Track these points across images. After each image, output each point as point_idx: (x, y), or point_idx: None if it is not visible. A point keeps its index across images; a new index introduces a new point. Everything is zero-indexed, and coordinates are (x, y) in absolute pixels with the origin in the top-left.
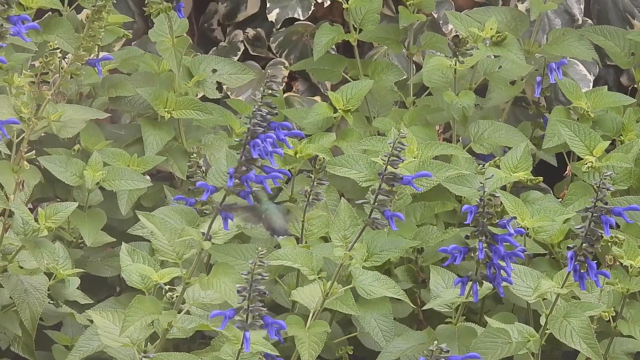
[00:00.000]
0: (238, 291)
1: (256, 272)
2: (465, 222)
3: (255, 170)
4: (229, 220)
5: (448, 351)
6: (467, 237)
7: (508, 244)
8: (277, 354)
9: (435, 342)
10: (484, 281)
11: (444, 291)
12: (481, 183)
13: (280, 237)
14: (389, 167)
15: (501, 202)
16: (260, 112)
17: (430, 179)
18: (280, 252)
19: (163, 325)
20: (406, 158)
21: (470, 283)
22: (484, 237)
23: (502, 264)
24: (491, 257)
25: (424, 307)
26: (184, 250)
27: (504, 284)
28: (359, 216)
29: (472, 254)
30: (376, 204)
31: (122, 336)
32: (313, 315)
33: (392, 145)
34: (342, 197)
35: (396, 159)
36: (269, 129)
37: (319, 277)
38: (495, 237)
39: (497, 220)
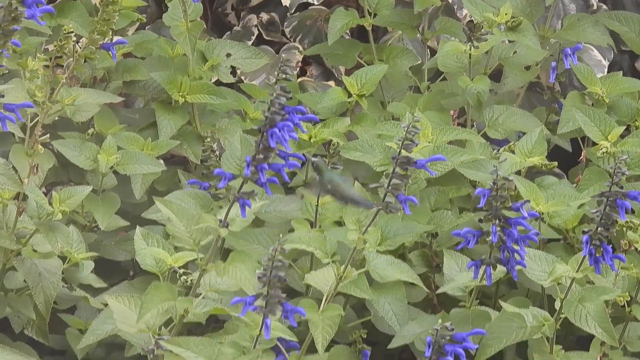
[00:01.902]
0: (258, 277)
1: (276, 258)
2: (479, 207)
3: (272, 157)
4: (247, 207)
5: (453, 329)
6: (480, 220)
7: (522, 227)
8: (296, 339)
9: (440, 320)
10: (497, 265)
11: (458, 275)
12: (495, 167)
13: (361, 205)
14: (402, 151)
15: (515, 187)
16: (278, 101)
17: (445, 163)
18: (294, 235)
19: (179, 311)
20: (421, 143)
21: (483, 267)
22: (497, 221)
23: (516, 247)
24: (504, 241)
25: (438, 291)
26: (200, 237)
27: (518, 268)
28: (373, 200)
29: (486, 238)
30: (390, 187)
31: (140, 322)
32: (326, 299)
33: (406, 129)
34: (356, 182)
35: (410, 142)
36: (286, 117)
37: (332, 261)
38: (508, 221)
39: (511, 204)
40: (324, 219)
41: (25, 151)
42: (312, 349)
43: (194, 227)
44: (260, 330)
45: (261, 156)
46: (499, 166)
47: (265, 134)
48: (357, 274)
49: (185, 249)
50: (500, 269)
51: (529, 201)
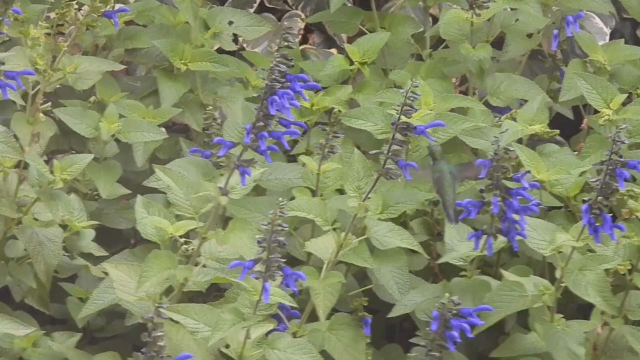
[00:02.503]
0: (258, 242)
1: (276, 223)
2: (480, 176)
3: (272, 125)
4: (246, 175)
5: (459, 304)
6: (481, 190)
7: (522, 198)
8: (296, 305)
9: (447, 294)
10: (498, 235)
11: (459, 244)
12: (496, 137)
13: (447, 213)
14: (402, 116)
15: (517, 156)
16: (278, 68)
17: (446, 130)
18: (295, 203)
19: (179, 279)
20: (422, 110)
21: (484, 237)
22: (498, 191)
23: (517, 217)
24: (505, 211)
25: (439, 261)
26: (200, 205)
27: (519, 237)
28: (373, 167)
29: (487, 208)
30: (390, 153)
31: (140, 291)
32: (327, 266)
33: (405, 95)
34: (357, 150)
35: (409, 108)
36: (286, 84)
37: (333, 229)
38: (509, 191)
39: (512, 175)
40: (325, 187)
41: (27, 119)
42: (313, 317)
43: (194, 195)
44: (260, 296)
45: (261, 124)
46: (500, 136)
47: (265, 101)
48: (358, 241)
49: (186, 217)
50: (501, 239)
51: (529, 172)
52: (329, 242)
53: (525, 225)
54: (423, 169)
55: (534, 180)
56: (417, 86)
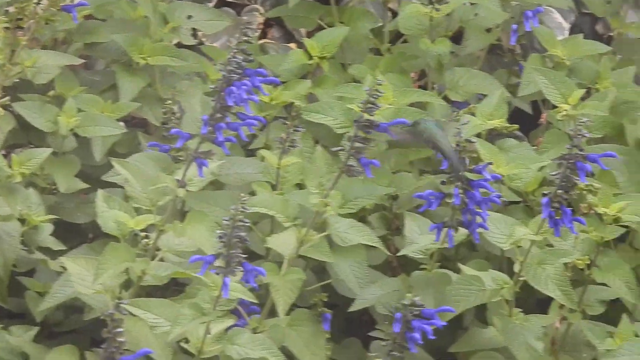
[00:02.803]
0: (219, 237)
1: (238, 218)
2: (440, 169)
3: (230, 117)
4: (204, 168)
5: (422, 305)
6: (442, 182)
7: (484, 189)
8: (256, 301)
9: (409, 294)
10: (459, 227)
11: (419, 237)
12: (457, 128)
13: (453, 160)
14: (365, 114)
15: (477, 150)
16: (235, 60)
17: (406, 126)
18: (257, 199)
19: (137, 272)
20: (382, 104)
21: (445, 229)
22: (460, 183)
23: (478, 209)
24: (467, 203)
25: (399, 254)
26: (158, 198)
27: (479, 230)
28: (333, 163)
29: (448, 200)
30: (352, 151)
31: (96, 284)
32: (288, 262)
33: (368, 92)
34: (317, 144)
35: (372, 106)
36: (244, 76)
37: (294, 225)
38: (471, 183)
39: (473, 166)
40: (285, 182)
41: None
42: (273, 313)
43: (152, 188)
44: (220, 291)
45: (218, 115)
46: (461, 127)
47: (222, 92)
48: (319, 237)
49: (144, 211)
50: (462, 232)
51: (491, 163)
52: (290, 238)
53: (487, 217)
54: (403, 134)
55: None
56: (381, 84)
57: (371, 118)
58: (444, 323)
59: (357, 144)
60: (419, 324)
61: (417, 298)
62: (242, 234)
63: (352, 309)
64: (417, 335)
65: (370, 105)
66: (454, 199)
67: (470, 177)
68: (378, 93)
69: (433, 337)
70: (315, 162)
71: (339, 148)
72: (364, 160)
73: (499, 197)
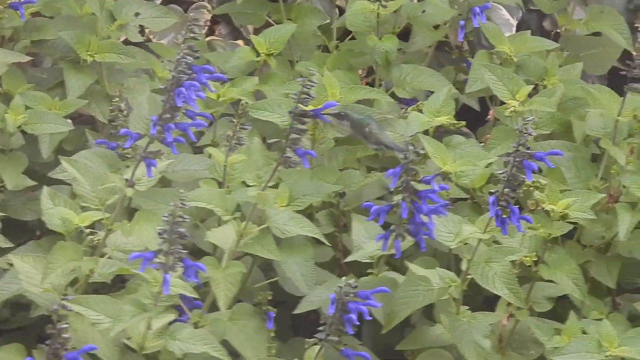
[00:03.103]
0: (159, 233)
1: (177, 214)
2: (386, 167)
3: (179, 116)
4: (153, 167)
5: (357, 286)
6: (390, 192)
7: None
8: (197, 296)
9: (344, 277)
10: (406, 235)
11: (367, 243)
12: (407, 142)
13: (396, 150)
14: (299, 104)
15: (424, 148)
16: (185, 60)
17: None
18: (195, 193)
19: (85, 271)
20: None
21: (392, 237)
22: (407, 194)
23: (425, 219)
24: (414, 214)
25: (346, 260)
26: (106, 196)
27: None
28: (272, 156)
29: (396, 210)
30: (288, 142)
31: (45, 282)
32: (228, 256)
33: (302, 82)
34: (264, 141)
35: (306, 96)
36: (193, 76)
37: (234, 218)
38: (418, 194)
39: (421, 177)
40: (232, 179)
41: None
42: (215, 308)
43: (100, 187)
44: (160, 287)
45: (168, 115)
46: (408, 129)
47: (171, 93)
48: (259, 231)
49: (92, 209)
50: (409, 238)
51: (440, 174)
52: (229, 232)
53: (432, 226)
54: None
55: (440, 172)
56: (314, 74)
57: (305, 108)
58: (380, 304)
59: (293, 135)
60: (355, 305)
61: (352, 280)
62: (182, 230)
63: (298, 310)
64: (353, 316)
65: (304, 96)
66: (402, 212)
67: (418, 187)
68: (311, 83)
69: (369, 318)
70: (253, 155)
71: (276, 140)
72: (300, 151)
73: (446, 205)
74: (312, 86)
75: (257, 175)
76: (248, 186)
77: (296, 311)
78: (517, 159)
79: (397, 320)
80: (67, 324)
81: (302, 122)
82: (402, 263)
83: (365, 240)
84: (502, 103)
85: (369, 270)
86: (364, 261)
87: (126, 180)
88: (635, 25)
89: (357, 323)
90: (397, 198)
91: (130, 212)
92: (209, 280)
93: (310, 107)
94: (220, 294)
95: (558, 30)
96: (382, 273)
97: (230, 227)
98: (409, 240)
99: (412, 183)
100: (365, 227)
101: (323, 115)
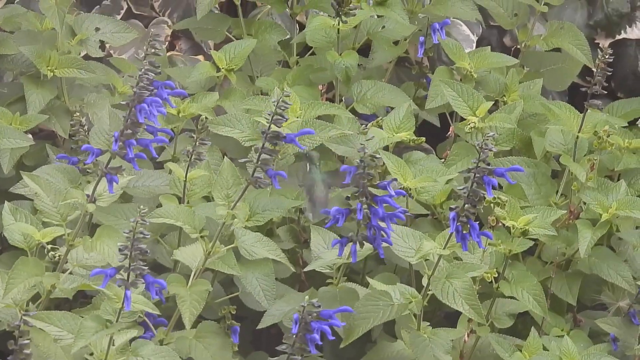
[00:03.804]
0: (120, 249)
1: (138, 231)
2: (346, 182)
3: (140, 132)
4: (114, 183)
5: (319, 306)
6: (347, 198)
7: (388, 205)
8: (159, 312)
9: (307, 296)
10: (364, 242)
11: (325, 252)
12: (362, 144)
13: (322, 210)
14: (272, 125)
15: (383, 163)
16: (146, 76)
17: (313, 138)
18: (163, 210)
19: (46, 286)
20: (289, 118)
21: (350, 244)
22: (364, 198)
23: (383, 225)
24: (370, 218)
25: (305, 269)
26: (68, 212)
27: (385, 245)
28: (241, 175)
29: (353, 215)
30: (259, 162)
31: (6, 298)
32: (195, 274)
33: (276, 103)
34: (224, 157)
35: (280, 117)
36: (155, 92)
37: (201, 236)
38: (375, 199)
39: (378, 182)
40: (193, 194)
41: None
42: (180, 325)
43: (62, 202)
44: (122, 303)
45: (129, 131)
46: (367, 143)
47: (133, 109)
48: (226, 249)
49: (53, 224)
50: (368, 246)
51: (396, 179)
52: (197, 250)
53: (391, 232)
54: (291, 176)
55: (401, 188)
56: (288, 96)
57: (278, 129)
58: (343, 324)
59: (264, 156)
60: (318, 325)
61: (315, 299)
62: (143, 246)
63: (260, 326)
64: (316, 336)
65: (277, 117)
66: (357, 214)
67: (374, 192)
68: (285, 105)
69: (333, 338)
70: (222, 174)
71: (247, 160)
72: (271, 172)
73: (404, 212)
74: (286, 107)
75: (227, 194)
76: (209, 201)
77: (259, 326)
78: (477, 175)
79: (355, 335)
80: (28, 339)
81: (274, 144)
82: (362, 279)
83: (324, 250)
84: (462, 119)
85: (329, 281)
86: (324, 271)
87: (87, 196)
88: (596, 41)
89: (320, 343)
90: (354, 203)
91: (91, 228)
92: (174, 297)
93: (286, 131)
94: (186, 311)
95: (518, 46)
96: (342, 283)
97: (197, 246)
98: (369, 251)
99: (369, 188)
100: (324, 236)
101: (298, 142)
